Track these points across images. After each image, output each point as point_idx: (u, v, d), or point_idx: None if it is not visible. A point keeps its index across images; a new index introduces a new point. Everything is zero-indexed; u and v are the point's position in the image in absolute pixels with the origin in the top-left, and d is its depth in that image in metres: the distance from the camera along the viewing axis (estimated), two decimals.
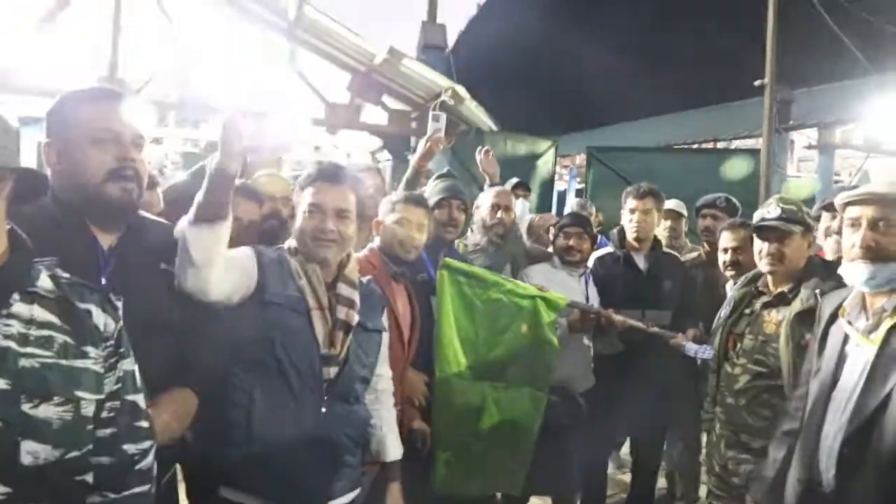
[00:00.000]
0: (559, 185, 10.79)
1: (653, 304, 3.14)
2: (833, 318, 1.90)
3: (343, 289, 1.84)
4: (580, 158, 11.24)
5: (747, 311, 2.48)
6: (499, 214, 3.08)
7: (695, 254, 3.62)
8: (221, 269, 1.58)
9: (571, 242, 3.04)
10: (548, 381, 2.77)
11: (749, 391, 2.36)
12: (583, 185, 8.23)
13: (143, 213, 1.67)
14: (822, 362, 1.88)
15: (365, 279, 2.01)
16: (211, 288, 1.56)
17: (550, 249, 3.30)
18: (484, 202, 3.16)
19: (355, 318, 1.83)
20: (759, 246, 2.42)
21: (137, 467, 1.21)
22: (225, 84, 6.40)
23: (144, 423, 1.23)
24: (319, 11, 6.33)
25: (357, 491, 1.91)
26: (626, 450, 3.62)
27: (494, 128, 6.69)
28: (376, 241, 2.44)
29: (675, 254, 3.54)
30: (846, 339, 1.83)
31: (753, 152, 8.16)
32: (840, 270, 1.87)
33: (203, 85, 6.46)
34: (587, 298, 3.04)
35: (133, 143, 1.49)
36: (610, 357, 3.10)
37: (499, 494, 3.24)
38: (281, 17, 6.62)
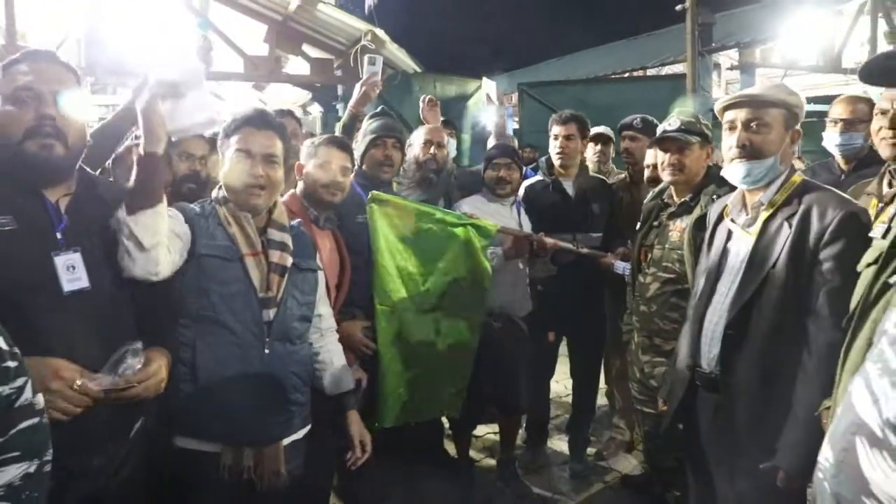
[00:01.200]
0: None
1: (582, 227, 3.22)
2: (720, 218, 2.03)
3: (274, 234, 1.86)
4: (515, 98, 11.26)
5: (655, 223, 2.61)
6: (432, 150, 3.09)
7: (621, 176, 3.71)
8: (166, 244, 1.60)
9: (501, 173, 3.08)
10: (483, 306, 2.83)
11: (659, 297, 2.49)
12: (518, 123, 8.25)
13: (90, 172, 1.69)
14: (708, 259, 2.01)
15: (295, 222, 2.01)
16: (161, 267, 1.59)
17: None
18: (416, 139, 3.15)
19: (289, 260, 1.86)
20: (661, 157, 2.53)
21: (17, 405, 1.18)
22: (138, 44, 6.06)
23: (10, 363, 1.19)
24: None
25: (307, 427, 1.96)
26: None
27: (419, 69, 6.58)
28: (299, 187, 2.41)
29: (602, 177, 3.62)
30: (729, 234, 1.97)
31: (680, 77, 8.31)
32: (722, 172, 1.98)
33: (116, 48, 6.11)
34: (520, 226, 3.10)
35: (54, 99, 1.49)
36: (544, 280, 3.19)
37: (447, 425, 3.35)
38: None
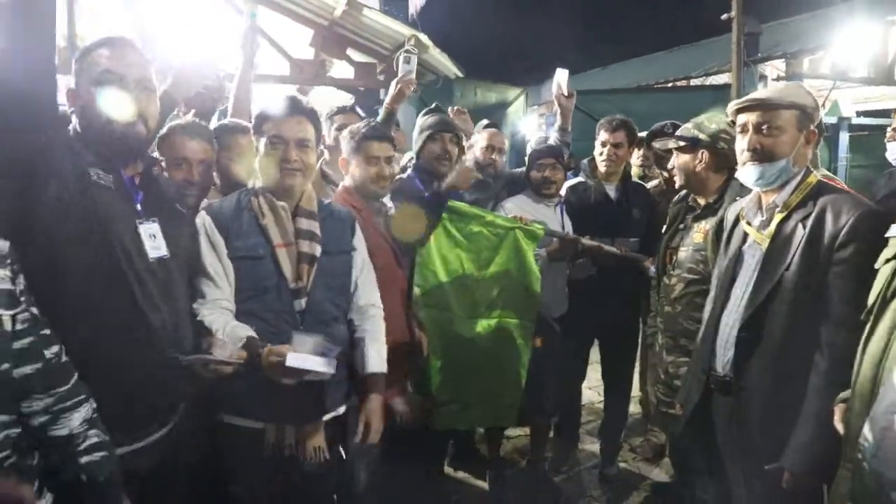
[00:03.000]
0: (538, 133, 10.81)
1: (622, 232, 3.23)
2: (736, 221, 2.03)
3: (302, 222, 1.90)
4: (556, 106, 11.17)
5: (681, 225, 2.61)
6: (493, 155, 3.17)
7: (656, 181, 3.69)
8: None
9: (546, 174, 3.10)
10: (534, 311, 2.85)
11: (684, 297, 2.49)
12: None
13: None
14: (725, 261, 2.00)
15: (326, 201, 2.06)
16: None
17: None
18: (478, 142, 3.23)
19: (318, 250, 1.90)
20: (675, 163, 2.54)
21: (60, 365, 1.32)
22: (185, 46, 6.28)
23: (47, 330, 1.31)
24: None
25: (345, 405, 2.02)
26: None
27: (460, 74, 6.64)
28: (347, 180, 2.47)
29: (642, 183, 3.62)
30: (745, 237, 1.96)
31: (724, 87, 8.19)
32: (737, 175, 1.97)
33: (164, 47, 6.34)
34: (563, 227, 3.13)
35: (136, 84, 1.61)
36: (582, 282, 3.19)
37: (480, 430, 3.37)
38: None
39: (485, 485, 3.25)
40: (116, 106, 1.58)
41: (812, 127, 1.88)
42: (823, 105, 10.09)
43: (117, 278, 1.53)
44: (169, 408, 1.69)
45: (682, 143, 2.48)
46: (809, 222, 1.76)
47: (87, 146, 1.58)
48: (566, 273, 3.17)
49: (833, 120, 8.52)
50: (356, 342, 2.06)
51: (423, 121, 2.96)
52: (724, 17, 7.87)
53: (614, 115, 3.37)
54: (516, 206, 3.06)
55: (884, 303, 1.25)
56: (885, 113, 8.87)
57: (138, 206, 1.63)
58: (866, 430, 0.98)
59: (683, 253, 2.53)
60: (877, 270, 1.36)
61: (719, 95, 7.77)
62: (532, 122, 9.77)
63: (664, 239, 2.70)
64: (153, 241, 1.62)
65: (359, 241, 2.09)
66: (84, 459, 1.32)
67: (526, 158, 3.29)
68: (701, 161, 2.45)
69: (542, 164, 3.12)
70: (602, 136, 3.32)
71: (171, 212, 1.74)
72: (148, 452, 1.62)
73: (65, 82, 1.66)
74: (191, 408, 1.76)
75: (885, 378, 1.10)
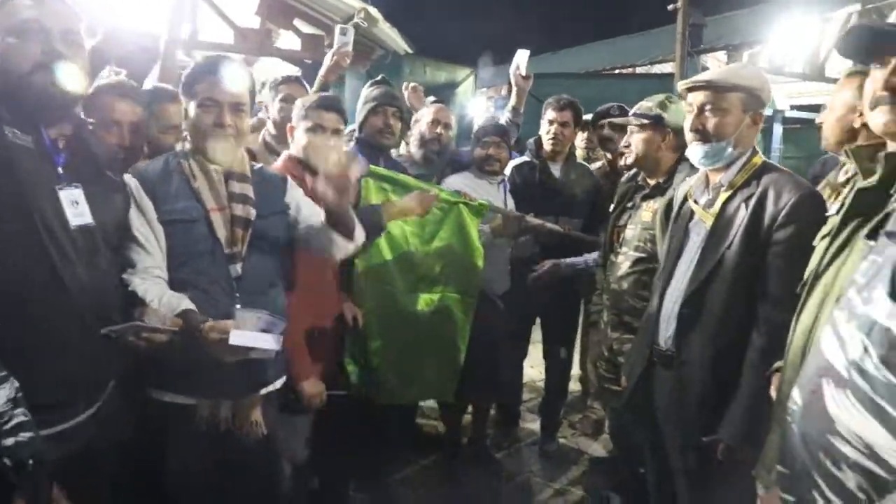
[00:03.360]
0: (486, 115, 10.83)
1: (566, 212, 3.27)
2: (685, 199, 2.08)
3: (234, 185, 1.84)
4: (506, 90, 11.28)
5: (629, 204, 2.66)
6: (438, 130, 3.12)
7: (599, 163, 3.76)
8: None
9: (490, 151, 3.11)
10: (476, 286, 2.86)
11: (631, 276, 2.53)
12: None
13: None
14: (671, 239, 2.06)
15: (257, 166, 2.00)
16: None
17: None
18: (424, 117, 3.17)
19: (252, 213, 1.84)
20: (633, 140, 2.57)
21: None
22: (123, 10, 5.97)
23: None
24: None
25: (283, 379, 1.99)
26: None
27: (410, 51, 6.57)
28: (292, 148, 2.40)
29: (586, 164, 3.67)
30: (691, 215, 2.01)
31: (669, 76, 8.39)
32: (686, 153, 2.03)
33: (101, 12, 6.02)
34: (505, 205, 3.14)
35: (62, 37, 1.47)
36: (525, 260, 3.22)
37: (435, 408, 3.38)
38: None
39: (426, 461, 3.28)
40: (37, 59, 1.44)
41: (758, 108, 1.92)
42: None
43: (34, 247, 1.42)
44: (96, 385, 1.59)
45: (644, 122, 2.50)
46: (752, 202, 1.82)
47: (3, 102, 1.44)
48: (509, 251, 3.19)
49: (768, 112, 8.87)
50: None
51: (367, 92, 2.91)
52: (669, 7, 8.04)
53: (561, 96, 3.39)
54: (459, 182, 3.06)
55: (816, 277, 1.30)
56: (816, 108, 9.30)
57: (60, 170, 1.51)
58: (795, 394, 1.02)
59: (631, 231, 2.58)
60: (814, 249, 1.41)
61: (663, 84, 7.97)
62: (480, 104, 9.78)
63: (612, 217, 2.74)
64: (75, 207, 1.50)
65: (291, 197, 2.01)
66: (8, 441, 1.23)
67: (472, 136, 3.28)
68: (665, 140, 2.50)
69: (486, 141, 3.13)
70: (549, 114, 3.35)
71: (99, 177, 1.62)
72: (73, 434, 1.52)
73: None
74: (120, 385, 1.67)
75: (812, 345, 1.15)
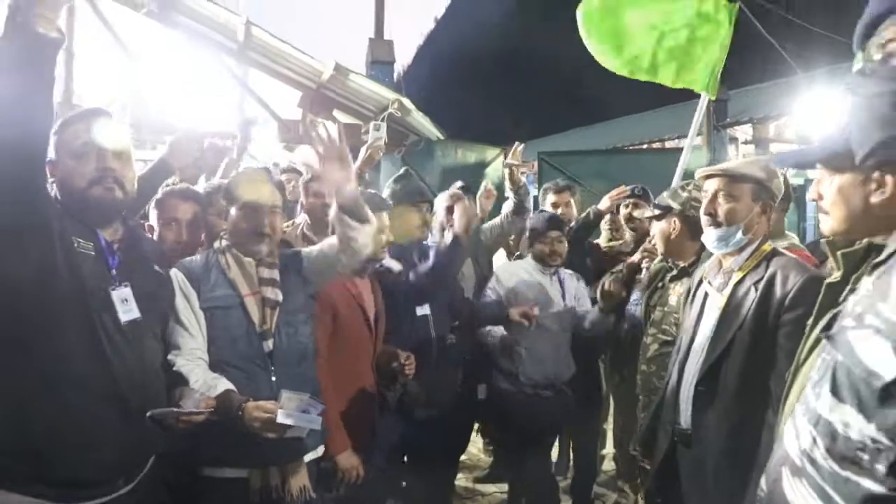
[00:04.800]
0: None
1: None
2: (701, 281, 2.18)
3: (264, 272, 2.05)
4: (535, 166, 11.56)
5: (660, 284, 2.75)
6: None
7: (621, 241, 3.92)
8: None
9: (554, 247, 3.16)
10: None
11: (657, 358, 2.60)
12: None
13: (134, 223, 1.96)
14: (688, 319, 2.16)
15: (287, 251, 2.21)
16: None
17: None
18: (439, 205, 3.35)
19: (280, 295, 2.03)
20: (654, 230, 2.72)
21: None
22: (179, 106, 6.51)
23: None
24: (267, 32, 6.50)
25: (320, 449, 2.11)
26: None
27: (441, 136, 6.93)
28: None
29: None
30: (706, 296, 2.11)
31: (697, 149, 8.56)
32: (702, 238, 2.16)
33: (159, 108, 6.59)
34: (563, 296, 3.20)
35: (113, 154, 1.73)
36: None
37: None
38: (230, 40, 6.78)
39: None
40: (93, 176, 1.69)
41: (768, 199, 2.06)
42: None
43: (90, 342, 1.61)
44: (136, 463, 1.73)
45: (657, 212, 2.65)
46: (761, 285, 1.92)
47: (68, 214, 1.67)
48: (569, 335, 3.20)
49: (801, 181, 8.91)
50: None
51: (394, 186, 2.95)
52: None
53: (556, 181, 3.92)
54: (513, 277, 3.18)
55: (797, 367, 1.35)
56: None
57: (113, 272, 1.71)
58: (762, 481, 1.11)
59: (659, 313, 2.66)
60: None
61: (693, 157, 8.09)
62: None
63: (644, 297, 2.83)
64: (125, 304, 1.70)
65: (303, 261, 2.18)
66: None
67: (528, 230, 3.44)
68: (674, 228, 2.62)
69: (549, 237, 3.17)
70: (550, 198, 3.75)
71: (148, 273, 1.84)
72: None
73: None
74: (161, 462, 1.82)
75: (779, 436, 1.23)
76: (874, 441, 0.89)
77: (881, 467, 0.87)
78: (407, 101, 6.36)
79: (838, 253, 1.22)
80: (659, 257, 2.93)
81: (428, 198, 2.99)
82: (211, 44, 6.85)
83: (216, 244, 2.10)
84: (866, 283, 1.02)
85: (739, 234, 2.03)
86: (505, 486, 3.64)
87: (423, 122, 6.73)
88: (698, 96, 3.79)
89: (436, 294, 2.84)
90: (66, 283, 1.59)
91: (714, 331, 2.00)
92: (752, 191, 2.04)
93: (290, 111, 7.21)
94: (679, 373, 2.12)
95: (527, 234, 3.31)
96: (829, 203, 1.21)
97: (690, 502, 2.08)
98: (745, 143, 10.10)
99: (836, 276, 1.24)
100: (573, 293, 3.24)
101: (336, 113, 7.23)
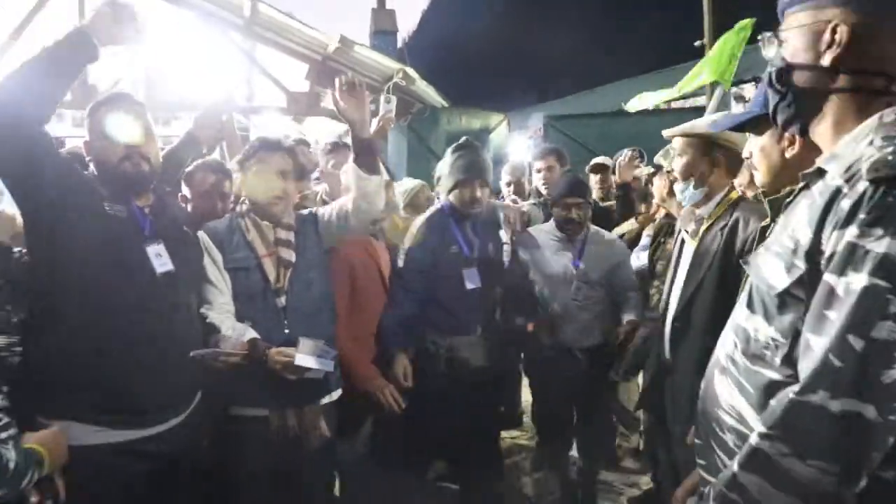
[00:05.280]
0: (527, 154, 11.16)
1: None
2: (680, 230, 2.42)
3: (281, 233, 2.27)
4: (541, 130, 11.63)
5: (661, 240, 3.00)
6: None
7: (612, 202, 4.09)
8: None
9: (572, 214, 2.98)
10: None
11: (658, 306, 2.75)
12: None
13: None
14: (669, 263, 2.38)
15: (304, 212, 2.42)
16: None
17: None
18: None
19: (293, 256, 2.26)
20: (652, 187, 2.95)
21: None
22: (190, 82, 6.69)
23: None
24: (273, 7, 6.65)
25: (339, 391, 2.34)
26: None
27: (445, 104, 7.09)
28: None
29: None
30: (682, 243, 2.34)
31: (701, 109, 8.62)
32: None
33: (170, 84, 6.79)
34: (577, 265, 3.01)
35: (139, 133, 1.97)
36: None
37: None
38: (238, 16, 6.93)
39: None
40: (123, 153, 1.93)
41: (720, 153, 2.25)
42: None
43: (128, 291, 1.87)
44: (183, 399, 2.00)
45: (652, 170, 2.88)
46: (726, 230, 2.14)
47: (103, 184, 1.94)
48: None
49: None
50: None
51: (451, 159, 2.85)
52: (696, 43, 8.35)
53: (542, 146, 4.09)
54: (541, 236, 3.08)
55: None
56: None
57: (146, 231, 1.96)
58: (702, 384, 1.33)
59: (660, 266, 2.88)
60: None
61: (697, 117, 8.17)
62: (521, 144, 10.12)
63: (649, 252, 3.06)
64: (159, 259, 1.95)
65: (318, 222, 2.38)
66: None
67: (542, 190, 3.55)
68: (666, 186, 2.82)
69: (567, 203, 2.99)
70: (536, 164, 3.87)
71: (179, 234, 2.09)
72: (164, 438, 1.90)
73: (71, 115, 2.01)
74: (203, 402, 2.07)
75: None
76: (774, 340, 1.11)
77: (778, 360, 1.09)
78: (411, 71, 6.52)
79: (766, 200, 1.43)
80: (659, 218, 3.17)
81: (483, 175, 2.80)
82: (218, 20, 7.00)
83: (238, 208, 2.33)
84: (780, 219, 1.23)
85: (691, 188, 2.26)
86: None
87: (427, 91, 6.90)
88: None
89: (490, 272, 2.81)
90: (102, 242, 1.85)
91: (687, 273, 2.22)
92: (699, 146, 2.25)
93: (298, 84, 7.38)
94: (664, 311, 2.34)
95: None
96: (756, 160, 1.42)
97: (673, 424, 2.29)
98: (748, 101, 10.12)
99: (767, 220, 1.46)
100: (593, 265, 3.00)
101: None
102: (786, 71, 1.14)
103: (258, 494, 2.18)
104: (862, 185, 0.97)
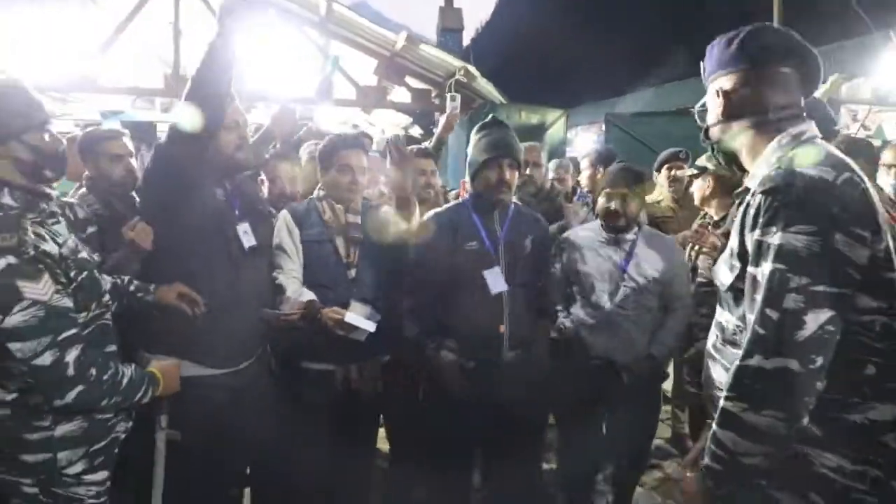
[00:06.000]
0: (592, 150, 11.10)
1: None
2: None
3: (351, 217, 2.60)
4: (602, 127, 11.61)
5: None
6: (527, 171, 3.35)
7: (661, 197, 4.25)
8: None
9: (612, 205, 2.69)
10: None
11: (698, 295, 3.06)
12: None
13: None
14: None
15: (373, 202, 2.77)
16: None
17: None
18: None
19: (360, 237, 2.56)
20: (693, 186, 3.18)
21: None
22: (270, 75, 7.23)
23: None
24: (345, 6, 7.12)
25: (387, 356, 2.64)
26: None
27: (504, 101, 7.39)
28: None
29: None
30: None
31: None
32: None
33: (252, 77, 7.35)
34: (625, 268, 2.68)
35: (245, 126, 2.33)
36: None
37: None
38: (314, 14, 7.43)
39: None
40: (237, 143, 2.27)
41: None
42: (868, 127, 10.25)
43: (226, 259, 2.26)
44: (250, 349, 2.33)
45: (695, 171, 3.08)
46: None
47: (213, 172, 2.25)
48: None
49: (878, 143, 8.78)
50: None
51: (475, 138, 2.62)
52: None
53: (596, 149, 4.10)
54: (587, 238, 2.77)
55: None
56: None
57: (236, 212, 2.30)
58: (703, 373, 1.61)
59: (700, 261, 3.10)
60: None
61: None
62: (588, 140, 10.10)
63: (689, 247, 3.22)
64: (247, 235, 2.31)
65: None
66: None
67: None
68: (709, 186, 3.04)
69: (609, 193, 2.71)
70: (582, 162, 4.09)
71: (259, 213, 2.47)
72: (240, 375, 2.28)
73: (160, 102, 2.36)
74: (267, 354, 2.47)
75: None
76: (737, 326, 1.42)
77: (742, 341, 1.34)
78: (472, 69, 6.85)
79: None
80: (701, 214, 3.37)
81: (511, 154, 2.54)
82: (296, 18, 7.53)
83: (315, 193, 2.68)
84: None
85: None
86: None
87: (487, 88, 7.21)
88: None
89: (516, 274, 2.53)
90: (209, 219, 2.23)
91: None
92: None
93: (367, 78, 7.84)
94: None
95: None
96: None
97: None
98: None
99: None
100: (641, 268, 2.67)
101: (408, 79, 7.81)
102: (705, 130, 1.57)
103: (319, 430, 2.46)
104: (759, 197, 1.30)
